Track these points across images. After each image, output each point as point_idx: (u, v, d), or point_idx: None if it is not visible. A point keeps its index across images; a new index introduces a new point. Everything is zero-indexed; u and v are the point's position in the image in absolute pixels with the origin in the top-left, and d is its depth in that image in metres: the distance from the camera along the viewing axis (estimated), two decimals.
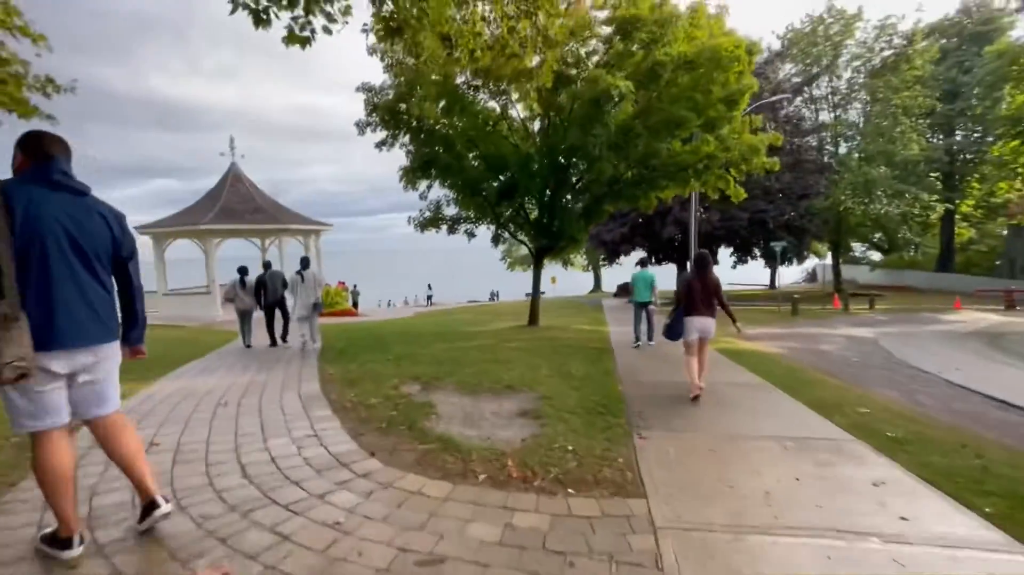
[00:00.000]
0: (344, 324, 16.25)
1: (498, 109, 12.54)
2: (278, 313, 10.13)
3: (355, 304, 27.22)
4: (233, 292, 10.17)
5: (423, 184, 14.11)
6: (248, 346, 10.03)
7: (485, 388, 6.03)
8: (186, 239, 20.65)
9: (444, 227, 13.41)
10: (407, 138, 12.20)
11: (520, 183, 12.16)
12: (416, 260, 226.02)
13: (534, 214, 13.66)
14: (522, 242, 13.44)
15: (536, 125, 13.22)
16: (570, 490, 3.44)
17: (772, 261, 31.75)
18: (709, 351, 6.42)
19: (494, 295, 47.53)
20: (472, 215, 13.21)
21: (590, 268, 48.56)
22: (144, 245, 20.05)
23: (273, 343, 10.02)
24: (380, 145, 12.43)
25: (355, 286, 29.95)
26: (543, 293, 40.89)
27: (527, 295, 41.21)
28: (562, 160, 11.59)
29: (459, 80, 11.53)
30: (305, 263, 9.62)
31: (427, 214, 13.76)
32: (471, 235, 13.42)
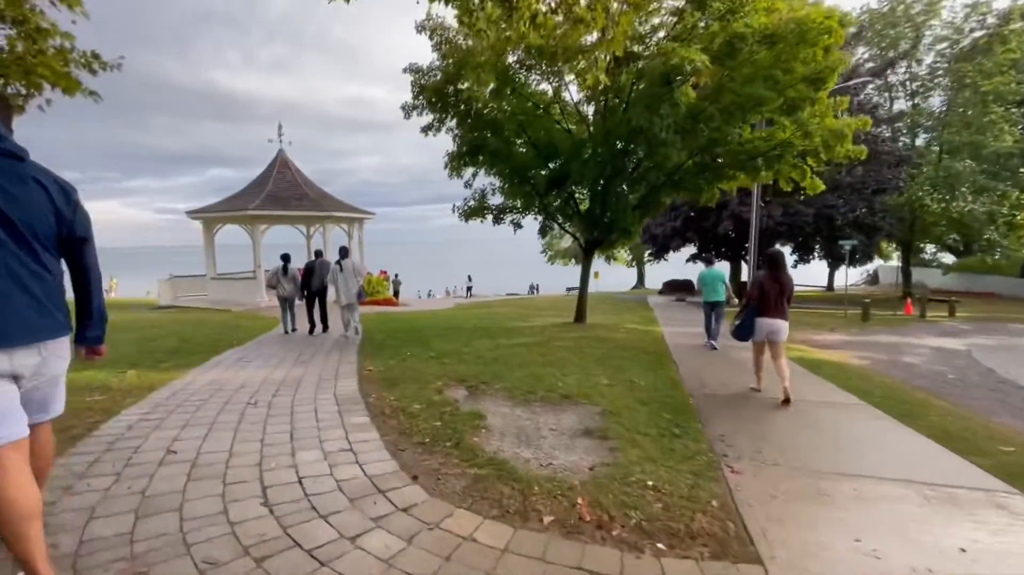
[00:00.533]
0: (385, 313, 15.96)
1: (550, 92, 11.75)
2: (318, 301, 10.28)
3: (396, 293, 27.14)
4: (275, 279, 10.15)
5: (468, 172, 13.52)
6: (288, 332, 10.11)
7: (539, 397, 5.35)
8: (234, 224, 20.93)
9: (489, 217, 12.76)
10: (454, 122, 11.59)
11: (571, 171, 11.36)
12: (455, 251, 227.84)
13: (584, 204, 12.82)
14: (571, 234, 12.63)
15: (590, 109, 12.36)
16: (660, 545, 2.71)
17: (837, 261, 29.64)
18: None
19: (533, 288, 46.86)
20: (519, 204, 12.50)
21: (633, 263, 47.01)
22: (195, 230, 20.45)
23: (312, 330, 10.06)
24: (426, 129, 11.88)
25: (396, 275, 29.92)
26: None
27: (568, 290, 40.59)
28: (619, 146, 10.69)
29: (510, 59, 10.80)
30: (344, 252, 9.55)
31: (471, 203, 13.15)
32: (517, 226, 12.73)
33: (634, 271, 49.18)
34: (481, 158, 10.78)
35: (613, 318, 15.44)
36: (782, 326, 5.79)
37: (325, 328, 10.22)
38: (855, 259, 26.97)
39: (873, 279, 46.22)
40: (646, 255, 45.50)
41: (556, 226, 12.75)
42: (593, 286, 39.47)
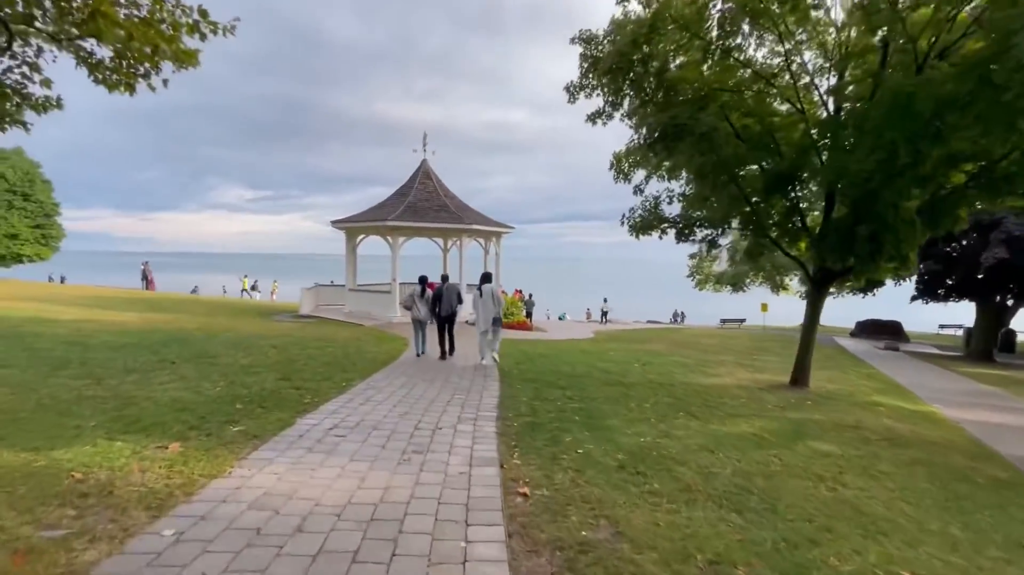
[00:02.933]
0: (521, 341, 13.47)
1: (777, 58, 8.25)
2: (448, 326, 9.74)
3: (528, 314, 24.83)
4: (411, 301, 9.93)
5: (639, 174, 10.50)
6: (419, 354, 9.77)
7: None
8: (375, 235, 20.38)
9: (670, 232, 9.51)
10: (632, 104, 8.67)
11: (803, 166, 7.73)
12: (585, 270, 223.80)
13: (812, 215, 8.96)
14: (792, 258, 8.85)
15: (829, 81, 8.52)
16: None
17: None
18: None
19: (677, 316, 41.77)
20: (716, 215, 9.06)
21: (803, 295, 39.26)
22: (339, 240, 20.24)
23: (443, 356, 9.68)
24: (595, 117, 9.13)
25: (530, 295, 27.71)
26: (742, 322, 34.00)
27: (723, 322, 34.83)
28: (904, 127, 6.75)
29: (715, 9, 7.60)
30: (486, 278, 9.26)
31: (641, 214, 10.03)
32: (712, 244, 9.32)
33: (799, 303, 41.20)
34: (677, 147, 7.57)
35: (832, 376, 11.01)
36: None
37: (452, 351, 9.79)
38: None
39: None
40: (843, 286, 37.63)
41: (772, 247, 8.97)
42: (758, 319, 33.37)
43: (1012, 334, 20.88)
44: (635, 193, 10.51)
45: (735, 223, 9.01)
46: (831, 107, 8.38)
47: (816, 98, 8.70)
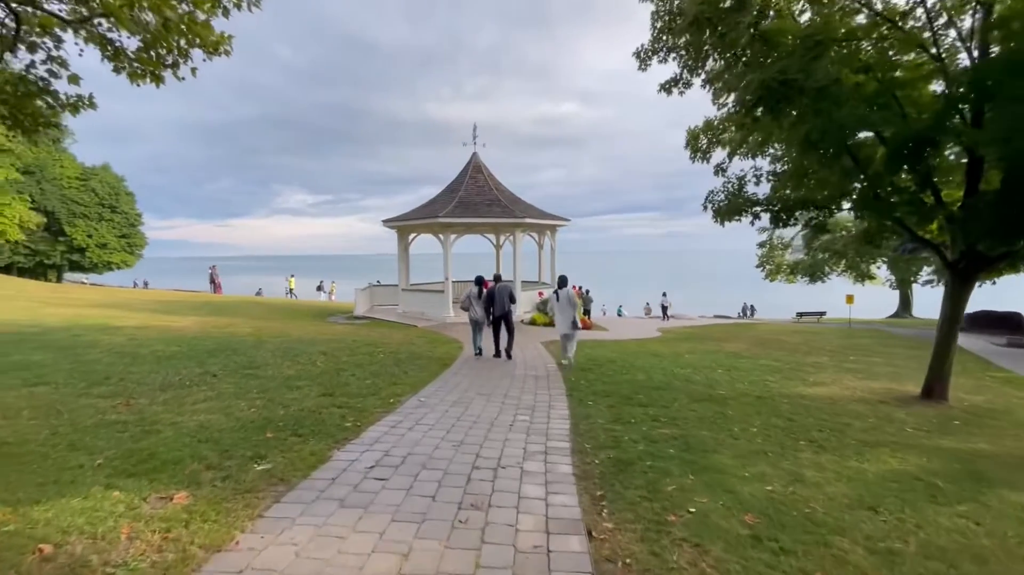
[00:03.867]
0: (583, 343, 12.34)
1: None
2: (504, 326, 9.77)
3: (586, 312, 23.55)
4: (468, 302, 9.93)
5: (718, 153, 9.10)
6: (478, 354, 9.82)
7: None
8: (427, 233, 19.84)
9: (764, 215, 8.06)
10: (717, 66, 7.31)
11: (941, 127, 6.11)
12: (640, 262, 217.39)
13: (952, 192, 7.25)
14: (925, 243, 7.16)
15: (971, 20, 6.78)
16: None
17: None
18: None
19: (746, 310, 38.99)
20: (823, 194, 7.52)
21: (894, 284, 35.29)
22: (392, 239, 19.84)
23: (497, 354, 9.66)
24: (670, 85, 7.85)
25: (587, 291, 26.34)
26: (821, 315, 30.92)
27: (799, 315, 31.84)
28: None
29: None
30: (562, 282, 9.23)
31: (722, 197, 8.61)
32: (821, 228, 7.79)
33: (882, 294, 37.04)
34: (789, 108, 6.08)
35: (965, 384, 9.10)
36: None
37: (509, 356, 9.58)
38: None
39: None
40: (917, 271, 33.58)
41: (899, 229, 7.30)
42: (840, 311, 30.24)
43: None
44: (716, 173, 9.14)
45: (846, 203, 7.43)
46: (974, 52, 6.66)
47: (950, 43, 6.98)
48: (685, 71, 7.66)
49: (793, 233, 37.59)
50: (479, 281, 9.95)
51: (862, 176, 6.88)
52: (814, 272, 34.46)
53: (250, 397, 5.74)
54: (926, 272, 31.65)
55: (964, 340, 19.27)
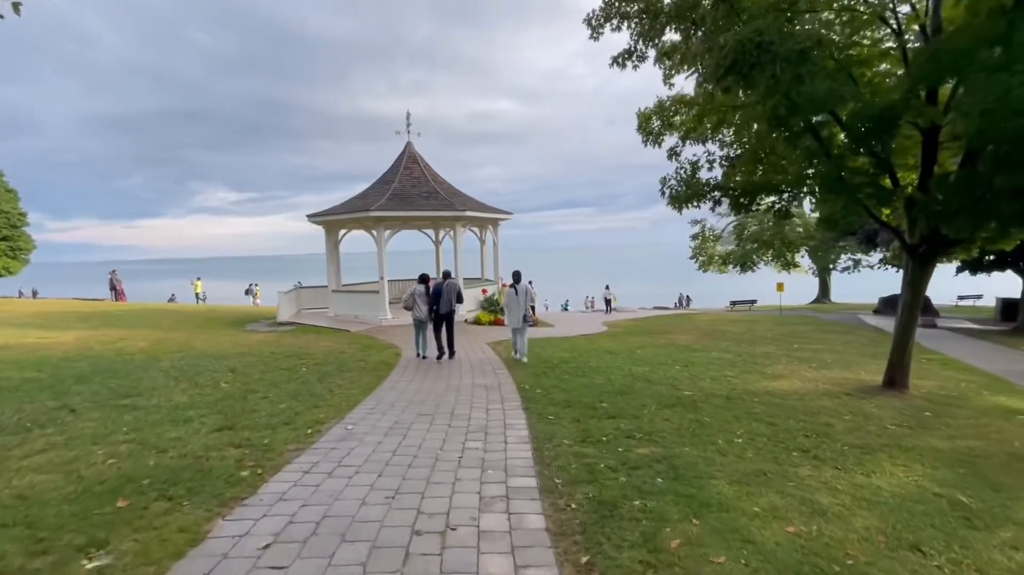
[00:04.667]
0: (531, 341, 11.50)
1: None
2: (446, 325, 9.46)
3: (532, 308, 22.88)
4: (412, 300, 9.35)
5: (672, 138, 8.55)
6: (420, 356, 9.30)
7: None
8: (359, 229, 18.28)
9: (724, 201, 7.54)
10: (673, 34, 6.65)
11: (911, 106, 5.78)
12: (579, 257, 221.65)
13: (907, 177, 7.04)
14: (887, 227, 6.87)
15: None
16: None
17: None
18: None
19: (683, 301, 40.04)
20: (781, 177, 7.08)
21: (815, 272, 37.47)
22: (319, 237, 18.06)
23: (440, 356, 9.32)
24: (624, 59, 7.12)
25: (530, 283, 25.64)
26: (753, 303, 32.20)
27: (732, 304, 32.93)
28: None
29: None
30: (517, 277, 9.37)
31: (673, 184, 8.05)
32: (784, 214, 7.36)
33: (802, 281, 39.32)
34: (761, 77, 5.42)
35: (920, 370, 9.12)
36: None
37: (452, 354, 9.38)
38: None
39: None
40: (836, 259, 35.73)
41: (862, 213, 6.95)
42: (770, 299, 31.60)
43: None
44: (669, 158, 8.57)
45: (806, 186, 7.03)
46: (929, 29, 6.41)
47: (905, 15, 6.72)
48: (640, 41, 6.95)
49: (724, 224, 39.09)
50: (424, 279, 9.57)
51: (826, 157, 6.46)
52: (744, 262, 35.87)
53: (113, 440, 4.36)
54: (844, 260, 33.80)
55: (883, 322, 20.40)
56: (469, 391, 6.68)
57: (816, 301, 37.28)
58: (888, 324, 19.48)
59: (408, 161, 17.99)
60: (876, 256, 23.55)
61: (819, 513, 3.16)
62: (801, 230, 34.22)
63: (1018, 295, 19.95)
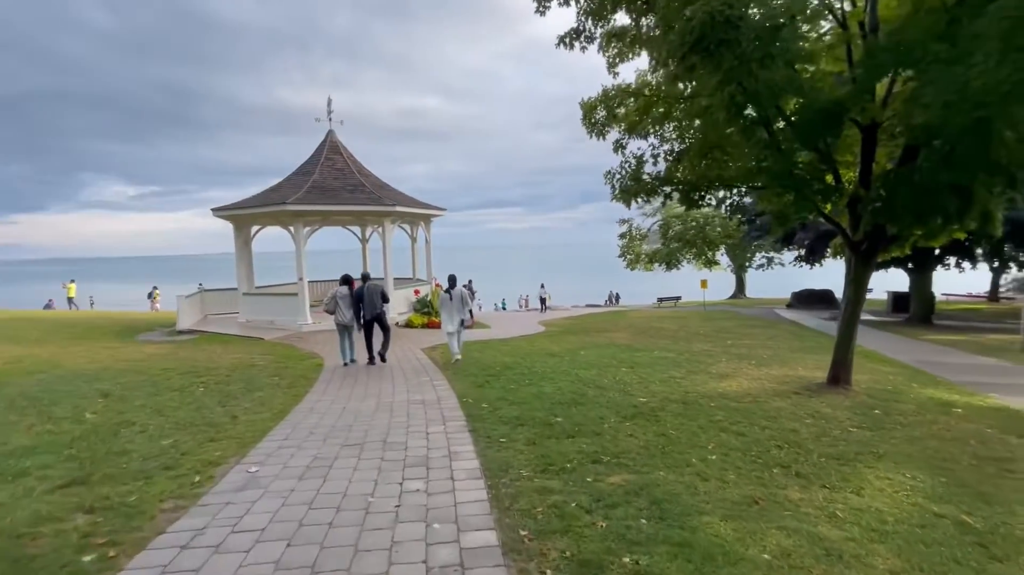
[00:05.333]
0: (469, 344, 10.71)
1: None
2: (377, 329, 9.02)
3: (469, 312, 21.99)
4: (333, 304, 8.82)
5: (612, 132, 8.16)
6: (346, 363, 8.79)
7: None
8: (275, 225, 16.52)
9: (675, 195, 7.20)
10: (623, 15, 6.15)
11: (859, 100, 5.69)
12: (508, 255, 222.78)
13: (846, 174, 7.05)
14: (832, 223, 6.83)
15: None
16: None
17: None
18: None
19: (612, 298, 40.92)
20: (730, 171, 6.83)
21: (733, 269, 39.71)
22: (227, 234, 16.07)
23: (371, 361, 8.87)
24: (571, 38, 6.56)
25: (470, 282, 24.72)
26: (678, 300, 33.48)
27: (660, 300, 34.05)
28: None
29: None
30: (452, 281, 9.02)
31: (620, 179, 7.67)
32: (736, 209, 7.13)
33: (719, 278, 41.66)
34: (727, 57, 4.95)
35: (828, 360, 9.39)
36: None
37: (383, 359, 8.91)
38: None
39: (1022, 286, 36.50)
40: (751, 258, 38.06)
41: (812, 208, 6.82)
42: (694, 295, 32.91)
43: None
44: (615, 151, 8.16)
45: (759, 181, 6.83)
46: (867, 26, 6.40)
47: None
48: (588, 20, 6.40)
49: (650, 224, 40.43)
50: (346, 280, 9.04)
51: (778, 151, 6.25)
52: (670, 260, 37.27)
53: None
54: (759, 258, 36.04)
55: (798, 315, 21.71)
56: (404, 409, 5.79)
57: (733, 297, 39.51)
58: (801, 317, 20.76)
59: (330, 151, 16.52)
60: (791, 255, 25.04)
61: (836, 556, 2.68)
62: (720, 230, 36.13)
63: (902, 289, 22.06)
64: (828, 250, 21.01)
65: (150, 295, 28.69)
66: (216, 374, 7.75)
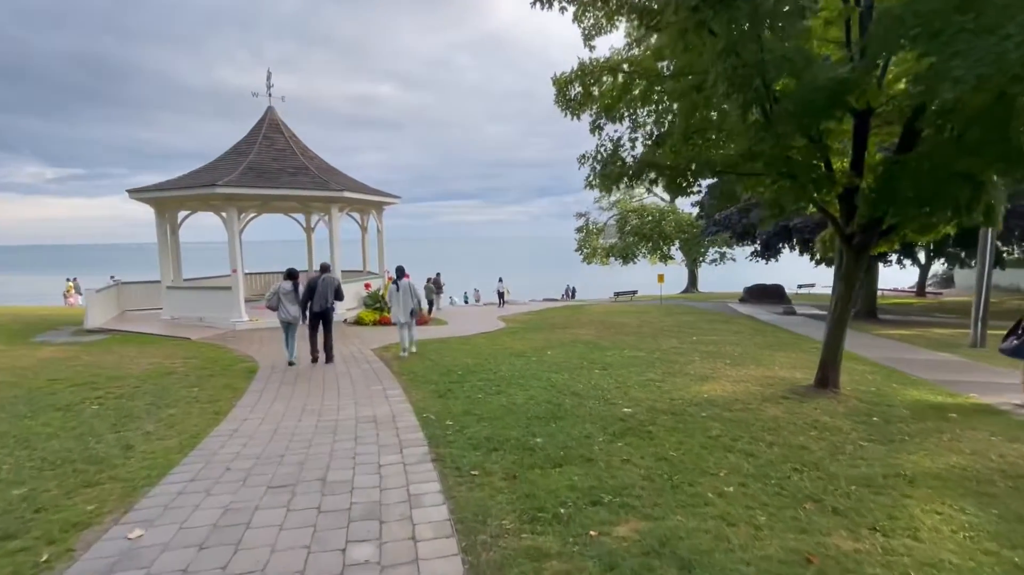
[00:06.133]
0: (427, 343, 9.71)
1: None
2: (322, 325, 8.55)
3: (430, 303, 20.70)
4: (275, 299, 8.17)
5: (591, 108, 7.41)
6: (291, 363, 8.11)
7: None
8: (205, 211, 14.79)
9: (660, 181, 6.50)
10: None
11: (860, 82, 5.17)
12: (464, 248, 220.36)
13: (837, 163, 6.58)
14: (826, 214, 6.32)
15: None
16: None
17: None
18: None
19: (569, 292, 40.64)
20: (723, 154, 6.21)
21: (686, 264, 40.28)
22: (148, 221, 14.18)
23: (315, 359, 8.30)
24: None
25: (438, 274, 23.24)
26: (634, 293, 33.55)
27: (616, 295, 33.96)
28: None
29: None
30: (400, 272, 8.96)
31: (599, 162, 6.95)
32: (729, 198, 6.47)
33: (672, 272, 42.25)
34: (739, 15, 4.23)
35: (812, 362, 9.09)
36: None
37: (329, 358, 8.37)
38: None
39: (946, 282, 39.28)
40: (748, 254, 38.52)
41: (806, 197, 6.27)
42: (650, 290, 33.04)
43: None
44: (592, 132, 7.39)
45: (754, 166, 6.24)
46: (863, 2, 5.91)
47: None
48: None
49: (606, 218, 40.43)
50: (292, 275, 8.46)
51: (774, 136, 5.65)
52: (627, 255, 37.36)
53: None
54: (712, 253, 36.68)
55: (752, 310, 21.92)
56: (351, 431, 4.79)
57: (686, 291, 40.14)
58: (755, 312, 20.93)
59: (269, 129, 14.95)
60: (746, 250, 25.35)
61: None
62: (675, 224, 36.53)
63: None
64: (784, 246, 21.31)
65: (69, 290, 25.54)
66: (120, 385, 6.42)
